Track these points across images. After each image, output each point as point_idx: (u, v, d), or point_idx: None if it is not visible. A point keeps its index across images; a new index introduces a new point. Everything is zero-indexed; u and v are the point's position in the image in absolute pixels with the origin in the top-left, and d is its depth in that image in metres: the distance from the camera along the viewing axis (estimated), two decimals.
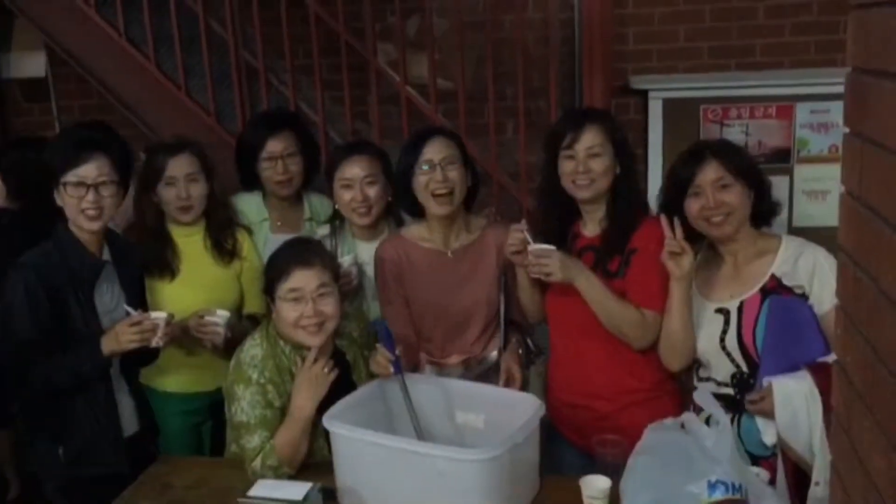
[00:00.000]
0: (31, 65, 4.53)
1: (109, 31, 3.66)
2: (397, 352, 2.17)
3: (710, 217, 2.11)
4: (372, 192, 2.55)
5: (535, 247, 2.19)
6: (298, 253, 2.22)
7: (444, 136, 2.44)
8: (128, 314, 2.23)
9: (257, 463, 2.13)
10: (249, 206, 2.80)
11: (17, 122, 4.70)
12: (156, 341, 2.21)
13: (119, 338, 2.18)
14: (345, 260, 2.51)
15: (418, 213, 2.46)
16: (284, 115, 3.04)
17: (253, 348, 2.20)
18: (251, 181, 2.82)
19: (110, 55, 3.69)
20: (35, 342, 2.19)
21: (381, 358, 2.17)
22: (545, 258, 2.16)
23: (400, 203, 2.53)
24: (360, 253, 2.61)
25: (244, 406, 2.15)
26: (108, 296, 2.33)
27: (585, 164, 2.21)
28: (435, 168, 2.35)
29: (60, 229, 2.29)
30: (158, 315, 2.23)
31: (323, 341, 2.18)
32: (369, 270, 2.57)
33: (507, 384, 2.36)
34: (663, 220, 2.13)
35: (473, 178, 2.47)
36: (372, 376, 2.29)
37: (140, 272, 2.49)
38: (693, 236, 2.16)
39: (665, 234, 2.11)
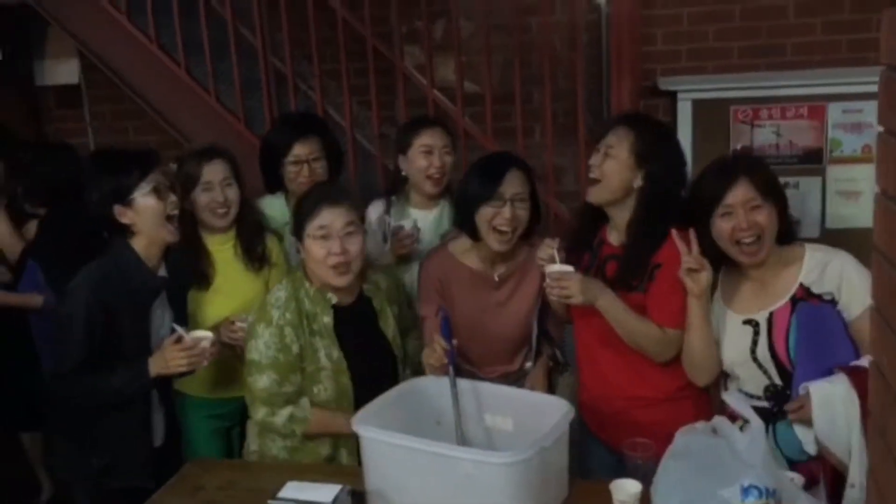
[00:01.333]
0: (65, 72, 4.62)
1: (141, 38, 3.71)
2: (454, 342, 2.18)
3: (742, 239, 2.04)
4: (448, 160, 2.69)
5: (553, 269, 2.15)
6: (327, 192, 2.29)
7: (520, 169, 2.35)
8: (173, 331, 2.24)
9: (281, 417, 2.21)
10: (273, 208, 2.83)
11: (50, 128, 4.78)
12: (203, 363, 2.24)
13: (168, 362, 2.20)
14: (406, 222, 2.62)
15: (474, 236, 2.39)
16: (311, 120, 3.07)
17: (279, 291, 2.27)
18: (275, 183, 2.86)
19: (142, 61, 3.74)
20: (87, 360, 2.20)
21: (438, 346, 2.18)
22: (565, 280, 2.13)
23: (461, 226, 2.44)
24: (415, 221, 2.70)
25: (260, 345, 2.20)
26: (158, 312, 2.35)
27: (598, 158, 2.20)
28: (505, 204, 2.30)
29: (120, 245, 2.28)
30: (206, 336, 2.24)
31: (349, 282, 2.23)
32: (424, 236, 2.67)
33: None
34: (675, 235, 2.09)
35: (536, 211, 2.40)
36: (404, 328, 2.40)
37: (185, 285, 2.50)
38: (713, 257, 2.10)
39: (681, 250, 2.07)
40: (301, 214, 2.25)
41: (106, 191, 2.27)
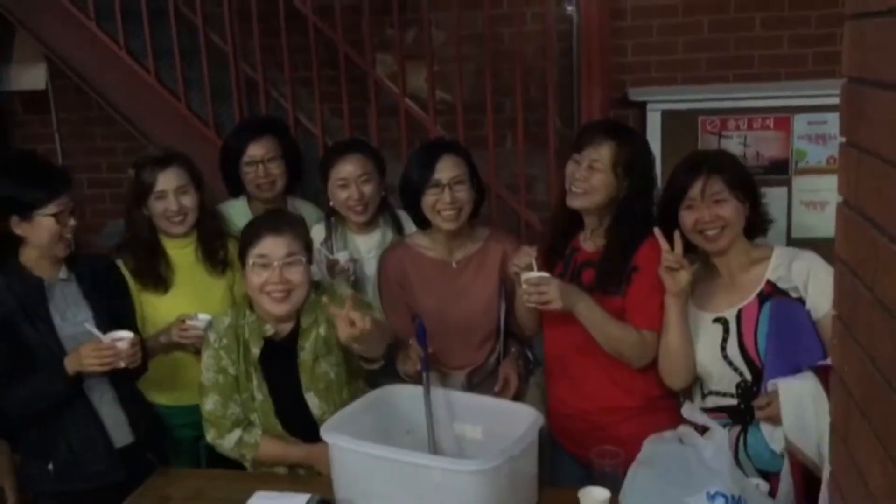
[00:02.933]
0: (32, 77, 4.55)
1: (110, 44, 3.67)
2: (430, 350, 2.18)
3: (705, 230, 2.11)
4: (367, 189, 2.61)
5: (530, 275, 2.15)
6: (270, 221, 2.28)
7: (452, 153, 2.43)
8: (92, 335, 2.20)
9: (229, 441, 2.24)
10: (235, 211, 2.84)
11: (16, 133, 4.71)
12: (119, 364, 2.18)
13: (82, 360, 2.17)
14: (340, 256, 2.56)
15: (424, 224, 2.47)
16: (266, 121, 3.09)
17: (225, 316, 2.30)
18: (236, 186, 2.87)
19: (111, 68, 3.70)
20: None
21: (413, 353, 2.20)
22: (543, 286, 2.13)
23: (408, 213, 2.54)
24: (357, 246, 2.66)
25: (203, 368, 2.26)
26: (71, 313, 2.30)
27: (584, 173, 2.20)
28: (443, 189, 2.36)
29: (5, 258, 2.27)
30: (123, 336, 2.20)
31: (288, 310, 2.21)
32: (368, 266, 2.63)
33: (503, 390, 2.39)
34: (658, 233, 2.12)
35: (479, 190, 2.47)
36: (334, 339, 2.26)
37: (111, 286, 2.45)
38: (689, 247, 2.15)
39: (662, 248, 2.10)
40: (244, 241, 2.25)
41: (4, 198, 2.23)
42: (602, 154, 2.20)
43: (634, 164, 2.21)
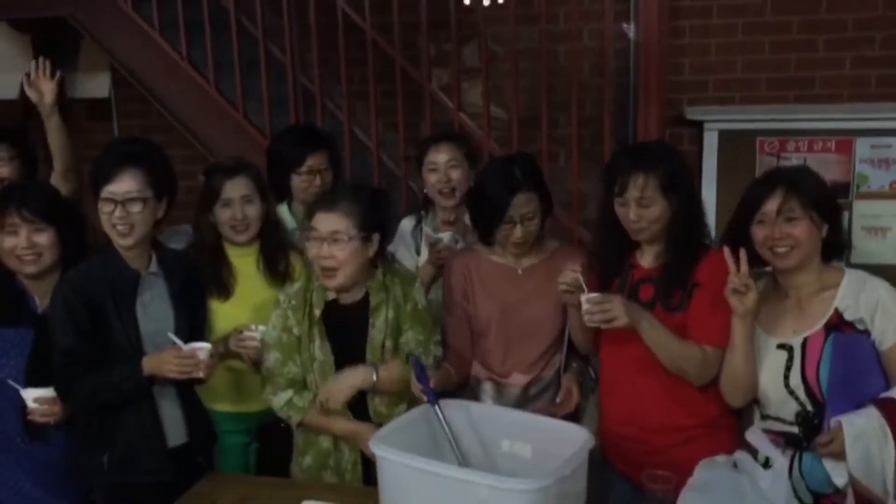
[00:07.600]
0: (96, 85, 4.69)
1: (173, 54, 3.77)
2: (431, 384, 2.15)
3: (775, 247, 2.07)
4: (455, 174, 2.77)
5: (592, 295, 2.13)
6: (329, 196, 2.35)
7: (526, 191, 2.34)
8: (173, 343, 2.23)
9: (280, 400, 2.32)
10: (279, 215, 2.87)
11: (78, 140, 4.82)
12: (198, 374, 2.21)
13: (161, 366, 2.21)
14: (444, 235, 2.71)
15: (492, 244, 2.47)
16: (318, 132, 3.15)
17: (298, 281, 2.42)
18: (283, 192, 2.93)
19: (173, 77, 3.80)
20: (78, 351, 2.22)
21: (415, 390, 2.17)
22: (607, 304, 2.10)
23: (479, 236, 2.51)
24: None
25: (269, 327, 2.36)
26: (153, 307, 2.33)
27: (637, 211, 2.17)
28: (516, 225, 2.36)
29: (106, 242, 2.32)
30: (202, 347, 2.22)
31: (335, 286, 2.28)
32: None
33: (564, 402, 2.38)
34: (727, 252, 2.09)
35: (547, 202, 2.45)
36: (397, 325, 2.33)
37: (189, 285, 2.46)
38: (756, 261, 2.11)
39: (729, 269, 2.07)
40: (308, 216, 2.36)
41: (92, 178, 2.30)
42: (644, 190, 2.16)
43: (675, 179, 2.19)
